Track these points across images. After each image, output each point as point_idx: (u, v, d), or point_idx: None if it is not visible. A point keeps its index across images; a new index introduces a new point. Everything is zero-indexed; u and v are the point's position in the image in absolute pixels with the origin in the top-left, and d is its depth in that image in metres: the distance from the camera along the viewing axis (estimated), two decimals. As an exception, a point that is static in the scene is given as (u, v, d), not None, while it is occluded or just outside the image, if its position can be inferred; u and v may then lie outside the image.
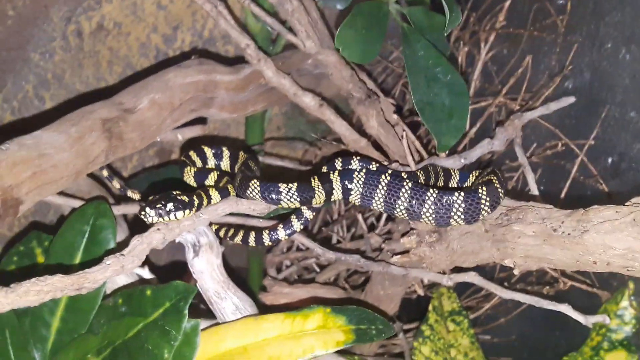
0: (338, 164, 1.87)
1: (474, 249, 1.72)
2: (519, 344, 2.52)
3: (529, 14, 2.39)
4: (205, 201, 1.69)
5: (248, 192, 1.73)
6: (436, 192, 1.67)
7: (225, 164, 2.04)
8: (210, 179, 1.87)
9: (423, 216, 1.69)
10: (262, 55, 1.93)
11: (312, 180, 1.76)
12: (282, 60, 2.14)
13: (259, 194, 1.72)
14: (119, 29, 2.26)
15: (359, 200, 1.76)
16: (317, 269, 2.70)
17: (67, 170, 1.58)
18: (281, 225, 1.90)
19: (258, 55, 1.92)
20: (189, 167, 1.91)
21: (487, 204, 1.66)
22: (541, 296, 1.84)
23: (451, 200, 1.66)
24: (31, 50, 2.16)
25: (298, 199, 1.74)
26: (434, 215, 1.68)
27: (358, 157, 1.87)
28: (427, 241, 1.79)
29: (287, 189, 1.72)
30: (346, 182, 1.77)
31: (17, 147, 1.50)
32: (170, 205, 1.59)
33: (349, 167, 1.85)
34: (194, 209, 1.63)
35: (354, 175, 1.76)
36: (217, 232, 1.96)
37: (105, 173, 2.00)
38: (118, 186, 2.04)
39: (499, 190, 1.69)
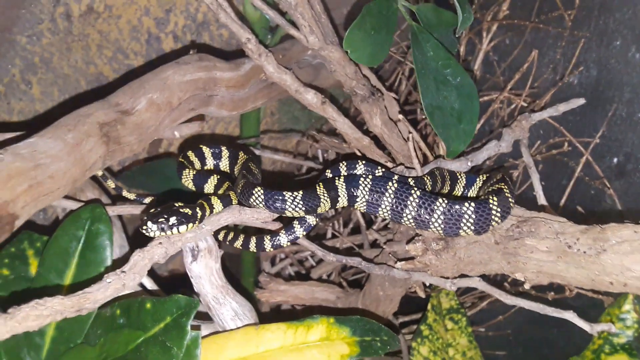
0: (343, 169, 1.81)
1: (483, 259, 1.69)
2: (514, 339, 2.53)
3: (533, 5, 2.33)
4: (207, 212, 1.63)
5: (251, 200, 1.67)
6: (446, 201, 1.62)
7: (224, 164, 1.98)
8: (210, 183, 1.81)
9: (431, 226, 1.64)
10: (263, 49, 1.84)
11: (317, 187, 1.70)
12: (282, 52, 2.07)
13: (263, 203, 1.66)
14: (109, 12, 2.17)
15: (365, 207, 1.71)
16: (313, 262, 2.67)
17: (64, 180, 1.50)
18: (283, 231, 1.85)
19: (259, 50, 1.84)
20: (187, 170, 1.84)
21: (498, 214, 1.62)
22: (545, 301, 1.82)
23: (461, 211, 1.61)
24: (17, 33, 2.07)
25: (303, 208, 1.68)
26: (442, 226, 1.63)
27: (363, 162, 1.82)
28: (433, 249, 1.74)
29: (292, 198, 1.67)
30: (352, 189, 1.71)
31: (12, 158, 1.41)
32: (173, 219, 1.53)
33: (354, 172, 1.80)
34: (197, 222, 1.58)
35: (360, 182, 1.71)
36: (215, 234, 1.89)
37: (99, 173, 1.93)
38: (113, 186, 1.98)
39: (510, 199, 1.64)
